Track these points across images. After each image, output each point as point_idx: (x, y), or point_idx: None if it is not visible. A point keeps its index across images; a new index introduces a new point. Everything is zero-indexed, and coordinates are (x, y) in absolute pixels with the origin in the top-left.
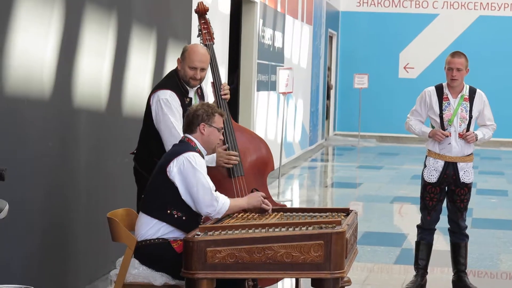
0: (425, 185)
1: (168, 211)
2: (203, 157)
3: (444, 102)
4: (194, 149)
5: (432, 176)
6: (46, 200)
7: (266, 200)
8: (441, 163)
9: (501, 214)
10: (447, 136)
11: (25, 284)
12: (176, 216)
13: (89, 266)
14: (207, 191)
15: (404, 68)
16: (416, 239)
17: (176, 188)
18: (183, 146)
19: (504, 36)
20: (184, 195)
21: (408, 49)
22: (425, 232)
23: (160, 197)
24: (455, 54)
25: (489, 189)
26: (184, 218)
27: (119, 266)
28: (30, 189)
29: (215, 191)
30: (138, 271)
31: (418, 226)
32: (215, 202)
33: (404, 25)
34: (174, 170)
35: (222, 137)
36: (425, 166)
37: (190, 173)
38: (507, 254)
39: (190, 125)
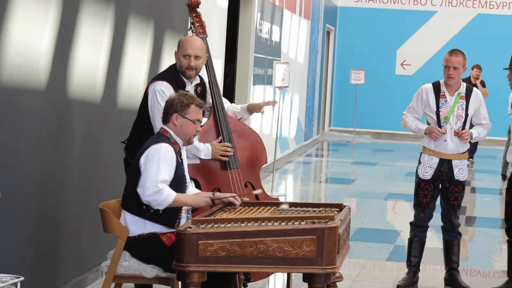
0: (419, 182)
1: (144, 207)
2: (180, 148)
3: (441, 99)
4: (169, 140)
5: (427, 173)
6: (39, 190)
7: (230, 196)
8: (435, 160)
9: (495, 212)
10: (444, 134)
11: (16, 274)
12: (152, 211)
13: (81, 257)
14: (154, 181)
15: (401, 65)
16: (409, 236)
17: None
18: (156, 138)
19: (502, 35)
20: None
21: (405, 46)
22: (418, 229)
23: (135, 193)
24: (453, 52)
25: (484, 188)
26: (160, 211)
27: (110, 258)
28: (22, 179)
29: (166, 184)
30: (129, 263)
31: (411, 223)
32: (158, 194)
33: (402, 22)
34: (142, 161)
35: (199, 129)
36: (419, 162)
37: (151, 161)
38: (501, 253)
39: (165, 114)
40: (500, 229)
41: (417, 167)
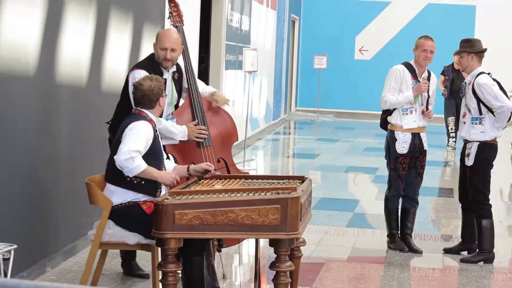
0: (397, 157)
1: (128, 178)
2: (155, 125)
3: (412, 80)
4: (145, 118)
5: (404, 148)
6: (30, 167)
7: (204, 164)
8: (409, 136)
9: (444, 183)
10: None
11: (10, 242)
12: (135, 182)
13: (70, 227)
14: (129, 149)
15: (360, 50)
16: (387, 208)
17: None
18: (135, 117)
19: (450, 23)
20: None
21: (363, 33)
22: (394, 198)
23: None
24: (427, 37)
25: (434, 161)
26: (143, 182)
27: (97, 227)
28: (15, 156)
29: (139, 154)
30: (113, 231)
31: (387, 196)
32: (130, 161)
33: (360, 11)
34: (123, 136)
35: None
36: (395, 139)
37: (130, 133)
38: (448, 219)
39: (150, 102)
40: (448, 198)
41: (394, 144)
